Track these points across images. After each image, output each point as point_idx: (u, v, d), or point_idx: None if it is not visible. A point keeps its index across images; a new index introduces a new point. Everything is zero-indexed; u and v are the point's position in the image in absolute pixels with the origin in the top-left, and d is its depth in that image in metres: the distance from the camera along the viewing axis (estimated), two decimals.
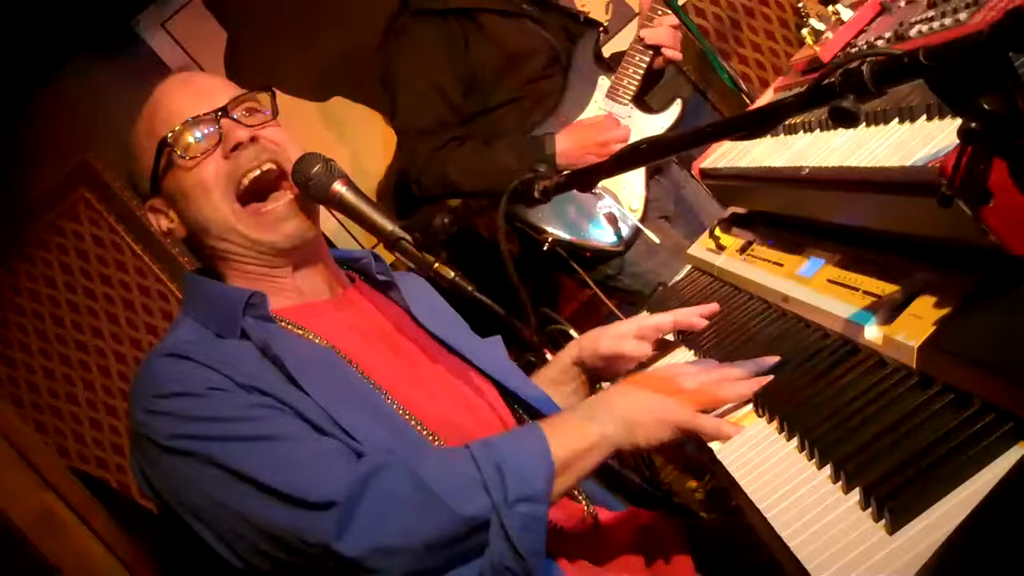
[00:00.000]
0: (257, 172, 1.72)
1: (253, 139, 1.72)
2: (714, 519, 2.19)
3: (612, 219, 3.25)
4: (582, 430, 1.56)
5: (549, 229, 3.20)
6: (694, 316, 2.00)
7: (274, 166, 1.74)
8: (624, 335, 2.01)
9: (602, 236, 3.26)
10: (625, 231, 3.25)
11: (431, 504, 1.44)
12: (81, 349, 4.58)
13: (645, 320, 2.04)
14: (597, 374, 2.11)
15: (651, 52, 3.25)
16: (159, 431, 1.53)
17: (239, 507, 1.47)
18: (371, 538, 1.42)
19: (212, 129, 1.71)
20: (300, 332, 1.70)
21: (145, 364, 1.64)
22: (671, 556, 1.78)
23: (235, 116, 1.73)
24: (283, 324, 1.70)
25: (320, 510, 1.42)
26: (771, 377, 1.60)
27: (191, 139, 1.70)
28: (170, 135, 1.70)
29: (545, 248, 3.19)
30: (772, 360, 1.63)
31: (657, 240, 3.20)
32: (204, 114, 1.71)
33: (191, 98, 1.73)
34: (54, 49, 4.20)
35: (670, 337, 2.10)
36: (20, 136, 4.42)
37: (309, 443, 1.51)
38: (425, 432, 1.67)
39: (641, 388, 1.63)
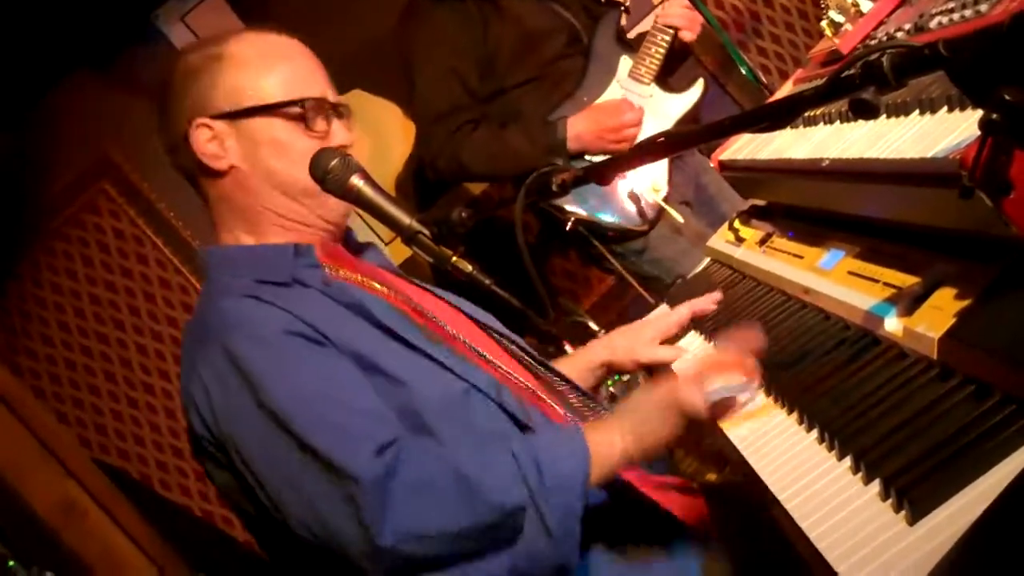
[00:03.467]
0: None
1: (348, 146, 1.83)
2: (730, 481, 2.23)
3: (635, 199, 3.24)
4: (608, 437, 1.59)
5: (571, 209, 3.19)
6: (705, 304, 2.15)
7: None
8: (655, 339, 2.12)
9: (625, 215, 3.25)
10: (648, 211, 3.24)
11: (467, 492, 1.47)
12: (102, 341, 4.61)
13: (668, 320, 2.15)
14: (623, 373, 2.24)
15: (672, 32, 3.25)
16: (237, 377, 1.55)
17: (295, 474, 1.50)
18: (405, 522, 1.45)
19: (328, 121, 1.81)
20: (353, 277, 1.77)
21: (214, 306, 1.67)
22: (693, 518, 1.81)
23: (343, 115, 1.85)
24: (331, 271, 1.76)
25: (356, 485, 1.45)
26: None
27: (313, 116, 1.78)
28: (307, 103, 1.77)
29: (568, 227, 3.18)
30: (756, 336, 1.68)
31: (681, 219, 3.19)
32: (327, 101, 1.81)
33: (320, 76, 1.84)
34: (74, 43, 4.21)
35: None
36: (40, 131, 4.44)
37: (366, 413, 1.55)
38: (495, 366, 1.78)
39: (645, 397, 1.66)
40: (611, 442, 1.58)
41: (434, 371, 1.66)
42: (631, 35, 3.55)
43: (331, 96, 1.84)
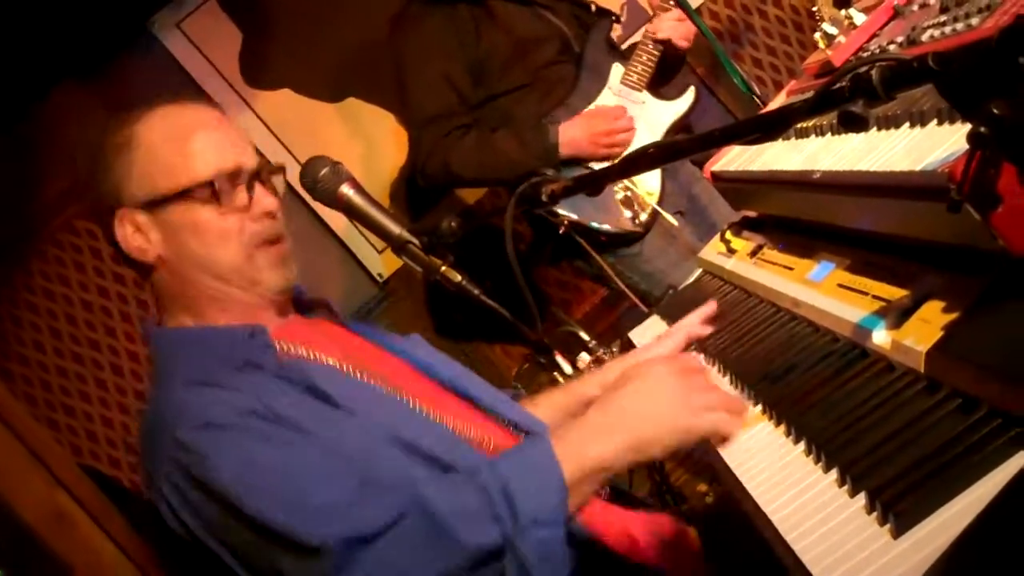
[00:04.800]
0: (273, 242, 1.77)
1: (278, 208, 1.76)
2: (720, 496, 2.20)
3: (628, 203, 3.24)
4: (590, 445, 1.48)
5: (564, 212, 3.18)
6: (698, 325, 2.03)
7: (288, 240, 1.79)
8: None
9: (619, 220, 3.25)
10: (642, 215, 3.24)
11: (439, 534, 1.40)
12: (94, 348, 4.60)
13: (662, 349, 2.03)
14: None
15: (663, 43, 3.26)
16: (194, 469, 1.49)
17: (270, 554, 1.44)
18: (378, 570, 1.40)
19: (249, 189, 1.73)
20: (305, 354, 1.69)
21: (164, 401, 1.60)
22: (681, 547, 1.79)
23: (264, 182, 1.77)
24: (285, 347, 1.69)
25: (323, 558, 1.40)
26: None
27: (229, 190, 1.71)
28: (216, 181, 1.70)
29: (561, 231, 3.17)
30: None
31: (676, 223, 3.19)
32: (243, 170, 1.74)
33: (229, 146, 1.75)
34: (70, 48, 4.21)
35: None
36: (35, 136, 4.44)
37: (328, 482, 1.48)
38: (459, 434, 1.68)
39: (648, 390, 1.51)
40: (587, 452, 1.47)
41: (389, 446, 1.57)
42: (625, 46, 3.56)
43: (250, 162, 1.76)
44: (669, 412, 1.48)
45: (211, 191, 1.69)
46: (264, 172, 1.77)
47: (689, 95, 3.35)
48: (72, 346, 4.58)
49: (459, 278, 1.69)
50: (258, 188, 1.74)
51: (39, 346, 4.58)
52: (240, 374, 1.61)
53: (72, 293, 4.59)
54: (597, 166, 3.23)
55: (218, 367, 1.61)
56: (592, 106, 3.29)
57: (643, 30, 3.34)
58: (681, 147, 1.59)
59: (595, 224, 3.22)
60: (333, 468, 1.49)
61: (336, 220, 4.45)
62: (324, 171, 1.72)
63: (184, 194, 1.68)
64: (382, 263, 4.57)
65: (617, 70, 3.32)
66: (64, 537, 2.76)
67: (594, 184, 1.68)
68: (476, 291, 1.69)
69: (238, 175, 1.72)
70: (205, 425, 1.51)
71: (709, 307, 2.05)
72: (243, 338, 1.66)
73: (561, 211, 3.16)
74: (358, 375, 1.69)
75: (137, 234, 1.71)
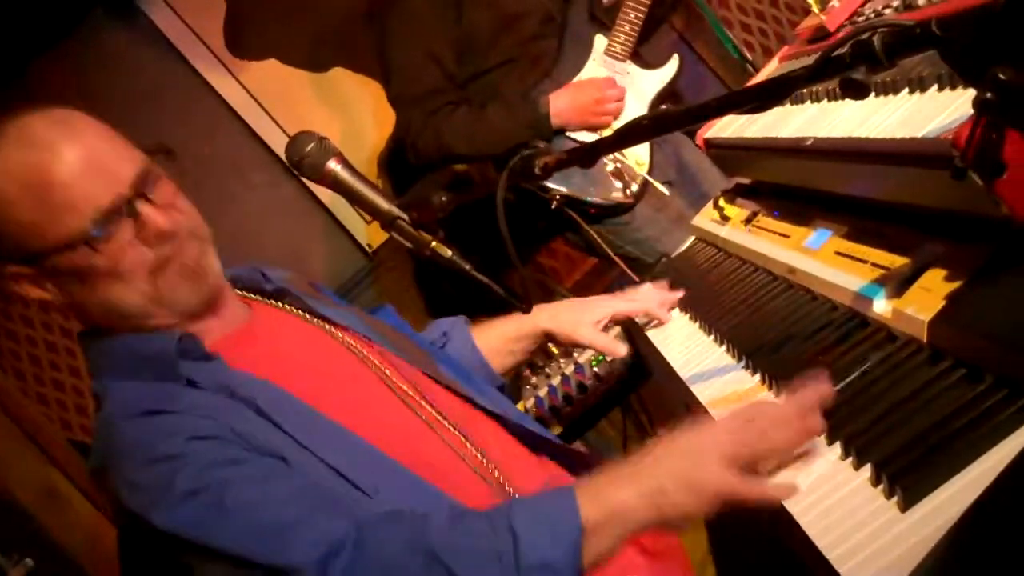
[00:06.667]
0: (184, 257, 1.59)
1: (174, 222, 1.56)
2: None
3: (619, 174, 3.23)
4: (605, 497, 1.35)
5: (556, 187, 3.17)
6: (663, 309, 2.10)
7: (196, 241, 1.60)
8: (600, 321, 2.09)
9: (610, 191, 3.24)
10: (633, 185, 3.23)
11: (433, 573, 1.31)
12: None
13: (618, 306, 2.12)
14: (561, 345, 2.22)
15: (644, 9, 3.21)
16: (147, 508, 1.40)
17: None
18: None
19: (129, 217, 1.51)
20: (247, 371, 1.57)
21: (110, 431, 1.50)
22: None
23: (149, 195, 1.53)
24: (227, 358, 1.57)
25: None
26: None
27: (106, 231, 1.49)
28: (87, 231, 1.48)
29: (553, 206, 3.15)
30: (824, 388, 1.32)
31: (667, 192, 3.18)
32: (117, 201, 1.50)
33: (98, 177, 1.50)
34: (52, 20, 4.16)
35: (640, 320, 2.19)
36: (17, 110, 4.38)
37: (297, 503, 1.39)
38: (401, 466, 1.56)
39: (676, 447, 1.35)
40: (617, 504, 1.33)
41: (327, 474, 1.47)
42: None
43: (126, 179, 1.52)
44: (686, 465, 1.32)
45: (86, 246, 1.48)
46: (149, 181, 1.54)
47: (673, 63, 3.34)
48: (60, 320, 4.55)
49: (449, 253, 1.67)
50: (145, 209, 1.52)
51: (27, 321, 4.54)
52: (181, 389, 1.51)
53: None
54: (585, 138, 3.21)
55: (156, 383, 1.52)
56: (579, 78, 3.27)
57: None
58: (676, 118, 1.57)
59: (586, 197, 3.21)
60: (298, 489, 1.41)
61: (324, 190, 4.41)
62: (310, 146, 1.68)
63: (58, 249, 1.50)
64: (371, 233, 4.55)
65: (600, 41, 3.30)
66: (56, 514, 2.76)
67: (588, 156, 1.66)
68: (467, 266, 1.67)
69: (116, 209, 1.50)
70: (154, 460, 1.42)
71: (676, 294, 2.13)
72: (172, 352, 1.53)
73: (552, 185, 3.14)
74: (302, 396, 1.57)
75: (30, 285, 1.56)
